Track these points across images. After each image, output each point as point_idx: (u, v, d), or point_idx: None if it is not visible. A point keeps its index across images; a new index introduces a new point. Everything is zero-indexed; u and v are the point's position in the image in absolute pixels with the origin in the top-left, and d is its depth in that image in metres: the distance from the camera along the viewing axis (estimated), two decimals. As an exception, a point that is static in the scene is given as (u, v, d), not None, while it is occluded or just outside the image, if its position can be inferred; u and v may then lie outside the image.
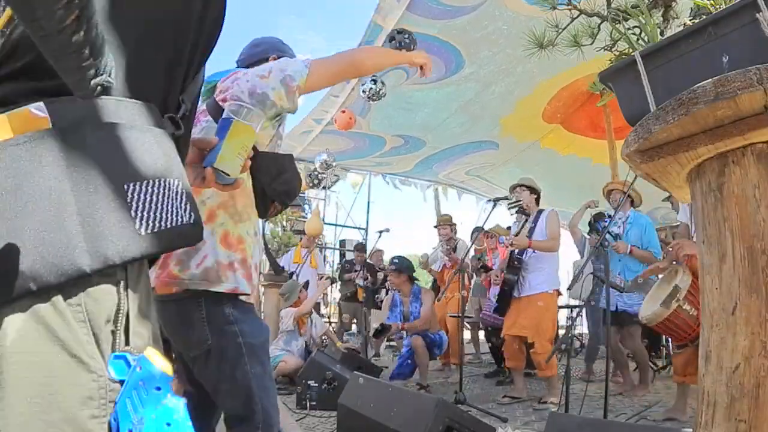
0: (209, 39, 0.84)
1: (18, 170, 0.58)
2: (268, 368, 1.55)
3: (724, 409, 0.88)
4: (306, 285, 5.92)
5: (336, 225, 10.83)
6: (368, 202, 9.25)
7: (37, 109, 0.61)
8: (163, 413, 0.58)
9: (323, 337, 5.85)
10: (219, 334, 1.46)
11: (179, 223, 0.68)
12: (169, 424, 0.58)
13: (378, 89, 5.48)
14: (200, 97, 1.02)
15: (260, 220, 1.73)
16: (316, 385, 3.91)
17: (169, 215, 0.67)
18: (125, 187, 0.63)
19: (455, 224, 6.52)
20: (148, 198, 0.65)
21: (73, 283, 0.59)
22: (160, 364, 0.60)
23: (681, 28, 1.10)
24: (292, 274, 6.66)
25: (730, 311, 0.89)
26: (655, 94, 1.03)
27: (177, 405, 0.60)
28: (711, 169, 0.97)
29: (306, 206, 12.62)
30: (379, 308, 7.31)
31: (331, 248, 10.75)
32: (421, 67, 1.75)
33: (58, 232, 0.58)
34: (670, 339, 3.54)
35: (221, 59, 1.86)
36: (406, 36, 4.65)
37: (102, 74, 0.62)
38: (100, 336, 0.61)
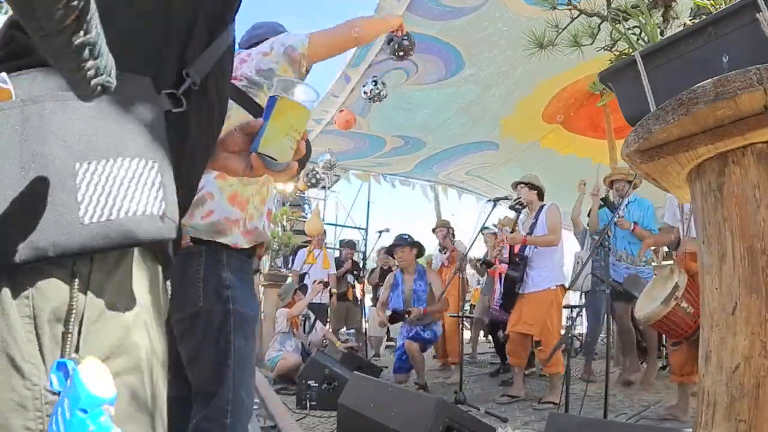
0: (217, 2, 0.76)
1: None
2: (251, 344, 1.52)
3: (724, 409, 0.88)
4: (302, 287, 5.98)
5: (336, 225, 10.83)
6: (368, 202, 9.25)
7: (1, 81, 0.55)
8: None
9: (323, 338, 5.87)
10: (211, 296, 1.44)
11: (139, 213, 0.57)
12: None
13: (379, 90, 5.48)
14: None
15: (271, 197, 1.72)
16: (316, 385, 3.91)
17: (126, 203, 0.56)
18: (76, 165, 0.54)
19: (452, 228, 6.58)
20: (103, 180, 0.55)
21: (21, 272, 0.52)
22: (93, 381, 0.49)
23: (681, 28, 1.10)
24: (304, 275, 6.69)
25: (730, 311, 0.89)
26: (655, 94, 1.03)
27: None
28: (711, 169, 0.97)
29: (306, 206, 12.63)
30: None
31: (331, 248, 10.75)
32: (401, 30, 1.92)
33: None
34: (666, 338, 3.56)
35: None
36: (405, 37, 4.64)
37: (102, 74, 0.62)
38: (44, 336, 0.52)
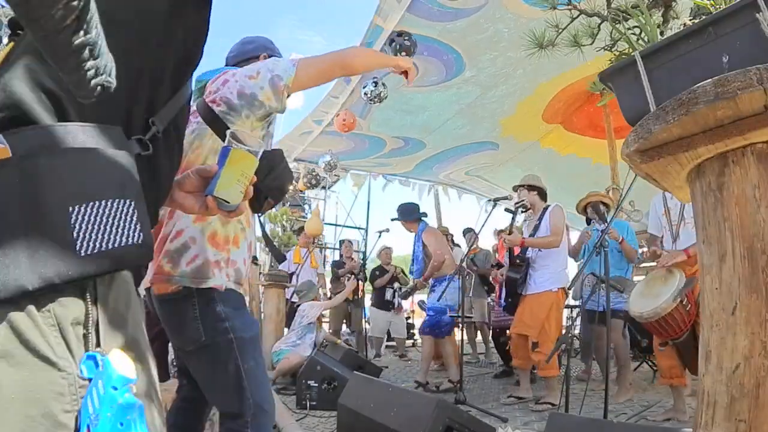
0: (187, 55, 0.85)
1: None
2: (260, 362, 1.59)
3: (724, 409, 0.88)
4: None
5: (336, 225, 10.83)
6: (368, 202, 9.24)
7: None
8: (117, 413, 0.62)
9: (323, 339, 5.90)
10: (212, 332, 1.51)
11: (123, 244, 0.71)
12: (122, 424, 0.62)
13: (379, 91, 5.48)
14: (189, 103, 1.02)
15: (255, 216, 1.74)
16: (316, 385, 3.92)
17: (113, 236, 0.69)
18: (70, 209, 0.66)
19: (451, 234, 6.59)
20: (92, 219, 0.68)
21: (40, 294, 0.64)
22: (122, 365, 0.64)
23: (681, 28, 1.10)
24: (292, 274, 6.68)
25: (730, 311, 0.89)
26: (655, 94, 1.03)
27: (131, 406, 0.63)
28: (711, 169, 0.97)
29: (306, 206, 12.62)
30: (388, 309, 7.31)
31: (331, 248, 10.75)
32: (406, 74, 1.75)
33: (8, 253, 0.63)
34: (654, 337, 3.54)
35: (221, 59, 1.87)
36: (407, 38, 4.65)
37: (102, 74, 0.62)
38: (69, 338, 0.65)
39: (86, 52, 0.58)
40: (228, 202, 0.97)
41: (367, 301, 8.15)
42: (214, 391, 1.59)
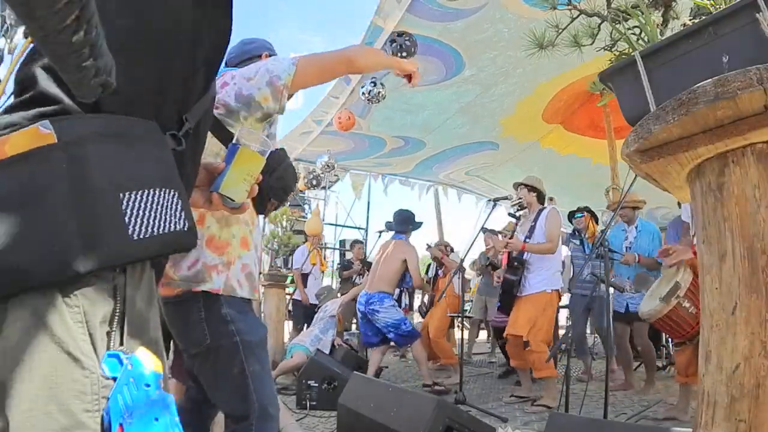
0: (214, 52, 0.86)
1: (26, 180, 0.64)
2: (266, 365, 1.58)
3: (724, 409, 0.88)
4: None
5: (336, 225, 10.83)
6: (368, 202, 9.25)
7: (44, 127, 0.66)
8: (151, 409, 0.62)
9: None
10: (216, 334, 1.50)
11: (172, 230, 0.73)
12: (156, 419, 0.62)
13: (378, 91, 5.49)
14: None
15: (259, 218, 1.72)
16: (316, 385, 3.92)
17: (162, 222, 0.71)
18: (120, 195, 0.68)
19: (450, 245, 6.75)
20: (142, 206, 0.69)
21: (71, 284, 0.63)
22: (151, 363, 0.65)
23: (681, 28, 1.10)
24: (307, 275, 6.74)
25: (730, 311, 0.89)
26: (655, 94, 1.03)
27: (165, 401, 0.64)
28: (711, 169, 0.96)
29: (306, 206, 12.61)
30: None
31: (331, 248, 10.75)
32: (410, 77, 1.71)
33: (56, 234, 0.63)
34: (670, 338, 3.57)
35: (221, 59, 1.86)
36: (407, 39, 4.65)
37: (102, 74, 0.62)
38: (96, 336, 0.65)
39: (86, 52, 0.58)
40: (233, 200, 0.98)
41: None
42: (219, 394, 1.58)
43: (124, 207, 0.67)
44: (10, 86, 0.78)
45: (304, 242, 7.53)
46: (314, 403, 3.87)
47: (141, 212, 0.69)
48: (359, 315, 4.98)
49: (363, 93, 5.53)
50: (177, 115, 0.83)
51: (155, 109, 0.79)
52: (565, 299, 5.62)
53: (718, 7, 1.07)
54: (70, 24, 0.54)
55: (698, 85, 0.87)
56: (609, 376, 3.16)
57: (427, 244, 6.23)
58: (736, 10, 0.92)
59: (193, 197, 1.00)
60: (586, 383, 3.90)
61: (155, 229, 0.70)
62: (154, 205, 0.71)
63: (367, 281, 5.06)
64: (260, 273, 6.69)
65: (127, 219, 0.67)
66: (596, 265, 4.51)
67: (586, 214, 5.08)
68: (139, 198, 0.69)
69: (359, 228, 10.28)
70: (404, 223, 4.98)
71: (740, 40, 0.92)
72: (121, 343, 0.68)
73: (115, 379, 0.64)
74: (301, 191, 9.53)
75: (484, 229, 5.03)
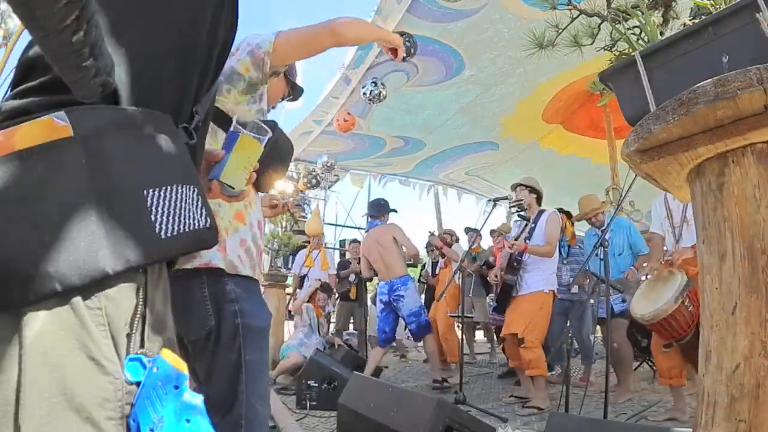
0: (224, 47, 0.86)
1: (42, 176, 0.60)
2: (265, 356, 1.49)
3: (724, 409, 0.88)
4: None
5: (336, 225, 10.83)
6: (368, 203, 9.23)
7: (59, 118, 0.63)
8: (182, 411, 0.60)
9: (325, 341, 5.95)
10: (219, 313, 1.41)
11: (196, 227, 0.71)
12: (188, 421, 0.60)
13: (379, 91, 5.48)
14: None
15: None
16: (316, 385, 3.91)
17: (186, 219, 0.70)
18: (145, 193, 0.65)
19: (454, 234, 6.70)
20: (167, 203, 0.67)
21: (94, 286, 0.61)
22: (176, 363, 0.62)
23: (681, 28, 1.10)
24: (304, 277, 6.68)
25: (730, 311, 0.89)
26: (655, 94, 1.03)
27: (196, 402, 0.62)
28: (711, 169, 0.96)
29: (306, 206, 12.62)
30: None
31: (331, 248, 10.74)
32: (395, 52, 1.65)
33: (82, 235, 0.60)
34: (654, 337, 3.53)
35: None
36: (408, 39, 4.64)
37: (102, 74, 0.62)
38: (118, 339, 0.62)
39: (86, 52, 0.58)
40: (233, 188, 0.98)
41: (368, 300, 8.15)
42: (210, 382, 1.44)
43: (149, 204, 0.65)
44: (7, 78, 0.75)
45: (304, 242, 7.52)
46: (314, 403, 3.86)
47: (166, 210, 0.67)
48: (381, 306, 4.96)
49: (363, 93, 5.52)
50: (190, 107, 0.82)
51: (175, 103, 0.78)
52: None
53: (718, 7, 1.07)
54: (70, 24, 0.54)
55: (698, 85, 0.87)
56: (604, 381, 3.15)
57: (430, 232, 6.24)
58: (736, 10, 0.93)
59: None
60: (586, 384, 3.90)
61: (181, 227, 0.68)
62: (178, 202, 0.69)
63: (363, 269, 5.21)
64: (261, 273, 6.71)
65: (153, 217, 0.65)
66: (573, 269, 4.53)
67: (562, 215, 5.03)
68: (163, 195, 0.67)
69: (359, 228, 10.28)
70: (379, 209, 5.18)
71: (740, 40, 0.92)
72: (142, 346, 0.65)
73: (138, 383, 0.61)
74: (301, 191, 9.52)
75: (466, 229, 5.04)
